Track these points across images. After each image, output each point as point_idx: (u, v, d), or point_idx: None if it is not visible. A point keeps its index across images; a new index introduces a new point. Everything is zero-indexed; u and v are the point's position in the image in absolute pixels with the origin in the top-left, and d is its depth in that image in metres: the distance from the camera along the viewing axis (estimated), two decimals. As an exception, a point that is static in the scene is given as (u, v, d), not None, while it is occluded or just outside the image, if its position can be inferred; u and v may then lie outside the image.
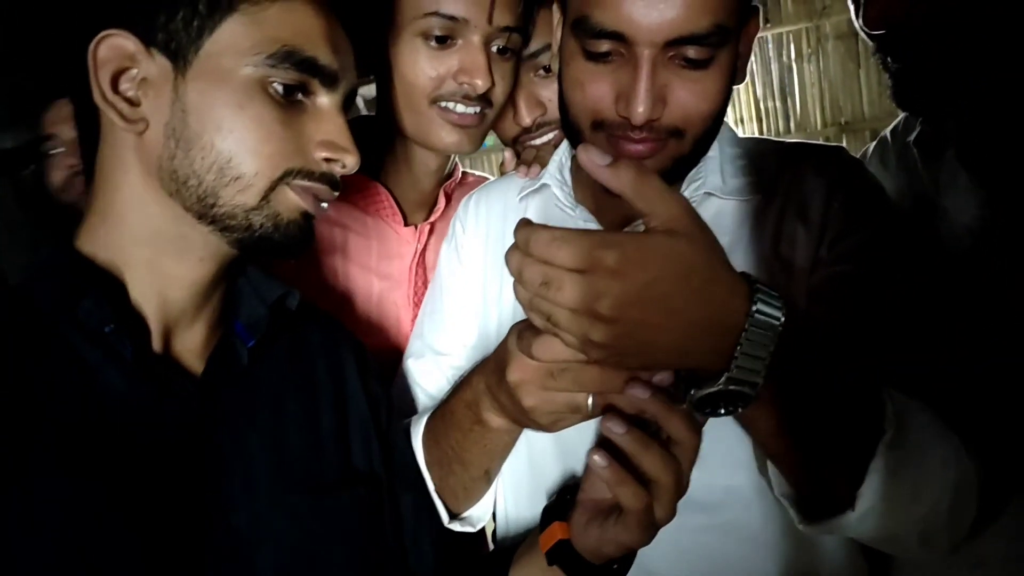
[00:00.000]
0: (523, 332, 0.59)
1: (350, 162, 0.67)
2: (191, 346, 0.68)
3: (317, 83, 0.65)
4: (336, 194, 0.69)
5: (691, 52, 0.67)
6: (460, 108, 0.93)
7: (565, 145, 0.92)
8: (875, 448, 0.59)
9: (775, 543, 0.75)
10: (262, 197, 0.63)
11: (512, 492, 0.89)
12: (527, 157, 1.02)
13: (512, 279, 0.52)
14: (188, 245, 0.65)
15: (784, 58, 4.54)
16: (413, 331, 1.01)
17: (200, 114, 0.61)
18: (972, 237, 0.84)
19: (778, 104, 4.61)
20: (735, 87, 0.76)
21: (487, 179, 1.14)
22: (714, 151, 0.80)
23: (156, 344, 0.65)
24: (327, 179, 0.67)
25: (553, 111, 0.97)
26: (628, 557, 0.68)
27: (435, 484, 0.82)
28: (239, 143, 0.61)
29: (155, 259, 0.65)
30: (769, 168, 0.81)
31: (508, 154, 1.09)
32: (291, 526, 0.67)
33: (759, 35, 1.20)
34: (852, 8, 0.90)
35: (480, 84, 0.90)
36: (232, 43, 0.60)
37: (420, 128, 0.96)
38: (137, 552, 0.57)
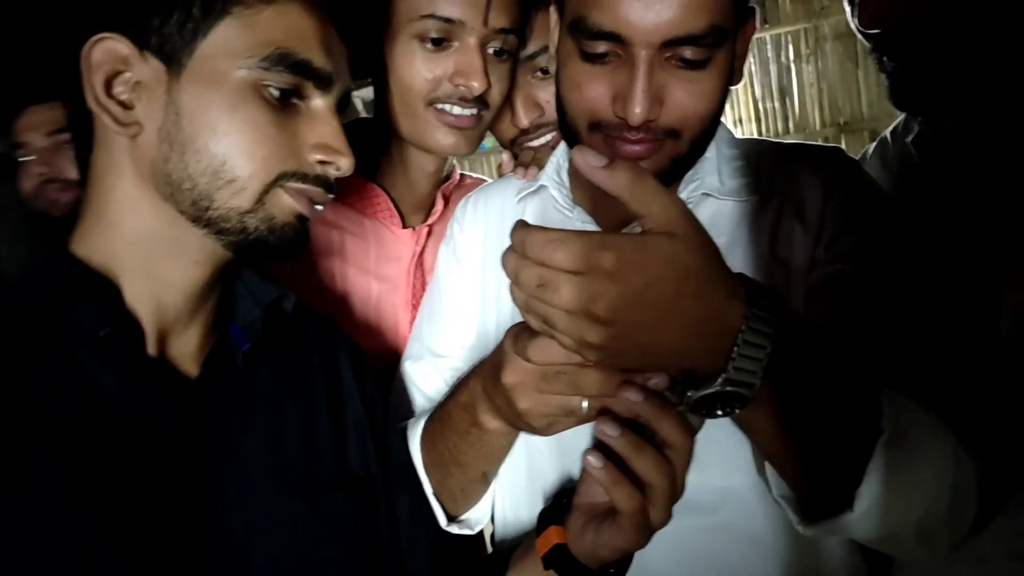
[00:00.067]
0: (519, 334, 0.59)
1: (344, 164, 0.67)
2: (187, 349, 0.68)
3: (311, 86, 0.65)
4: (331, 196, 0.69)
5: (688, 53, 0.67)
6: (456, 110, 0.93)
7: (562, 146, 0.92)
8: (873, 448, 0.59)
9: (774, 543, 0.75)
10: (256, 200, 0.63)
11: (510, 494, 0.88)
12: (525, 159, 1.02)
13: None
14: (183, 248, 0.65)
15: (783, 59, 4.55)
16: (411, 333, 1.01)
17: (194, 117, 0.60)
18: (970, 236, 0.84)
19: (777, 105, 4.62)
20: (734, 88, 0.76)
21: (485, 181, 1.14)
22: (711, 152, 0.80)
23: (151, 348, 0.65)
24: (321, 181, 0.67)
25: (551, 113, 0.96)
26: (625, 561, 0.68)
27: (433, 487, 0.82)
28: (233, 146, 0.61)
29: (150, 262, 0.64)
30: (766, 169, 0.81)
31: (506, 156, 1.09)
32: (287, 529, 0.67)
33: (758, 36, 1.20)
34: (848, 8, 0.90)
35: (476, 86, 0.90)
36: (225, 46, 0.60)
37: (417, 130, 0.96)
38: (135, 554, 0.57)
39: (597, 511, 0.66)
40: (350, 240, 1.04)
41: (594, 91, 0.71)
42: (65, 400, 0.58)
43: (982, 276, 0.81)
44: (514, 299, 0.52)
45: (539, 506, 0.76)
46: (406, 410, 0.93)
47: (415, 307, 1.05)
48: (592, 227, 0.84)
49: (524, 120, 1.02)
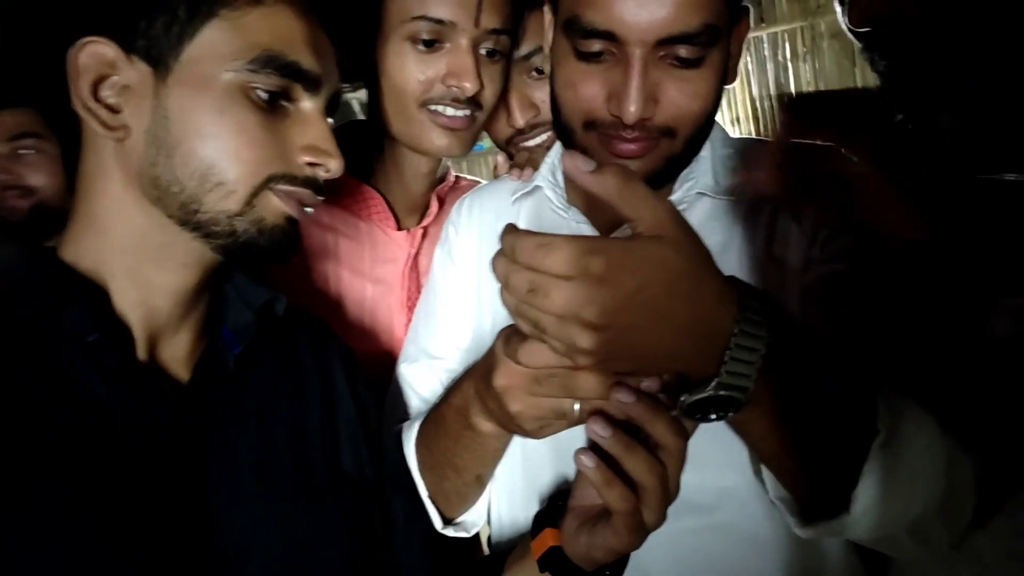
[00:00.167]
0: (510, 337, 0.59)
1: (333, 166, 0.66)
2: (177, 353, 0.68)
3: (299, 88, 0.64)
4: (321, 199, 0.68)
5: (682, 51, 0.67)
6: (450, 111, 0.93)
7: (557, 147, 0.92)
8: (869, 449, 0.58)
9: (771, 544, 0.75)
10: (245, 203, 0.63)
11: (506, 496, 0.88)
12: (520, 160, 1.02)
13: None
14: (172, 252, 0.65)
15: (779, 57, 4.54)
16: (407, 336, 1.01)
17: (181, 120, 0.60)
18: (968, 236, 0.84)
19: (774, 104, 4.61)
20: (730, 87, 0.76)
21: (480, 183, 1.14)
22: (706, 151, 0.80)
23: (141, 352, 0.65)
24: (311, 183, 0.66)
25: (546, 113, 0.97)
26: (620, 563, 0.68)
27: (429, 490, 0.81)
28: (220, 149, 0.61)
29: (139, 267, 0.64)
30: (762, 168, 0.81)
31: (501, 158, 1.09)
32: (281, 532, 0.67)
33: (754, 34, 1.19)
34: (838, 7, 0.89)
35: (469, 87, 0.90)
36: (213, 49, 0.60)
37: (410, 132, 0.96)
38: (135, 555, 0.57)
39: (591, 513, 0.65)
40: (344, 242, 1.04)
41: (589, 90, 0.71)
42: (56, 405, 0.58)
43: (979, 275, 0.80)
44: (504, 303, 0.51)
45: (535, 508, 0.76)
46: (402, 412, 0.93)
47: (410, 309, 1.05)
48: (587, 227, 0.84)
49: (520, 120, 1.02)
